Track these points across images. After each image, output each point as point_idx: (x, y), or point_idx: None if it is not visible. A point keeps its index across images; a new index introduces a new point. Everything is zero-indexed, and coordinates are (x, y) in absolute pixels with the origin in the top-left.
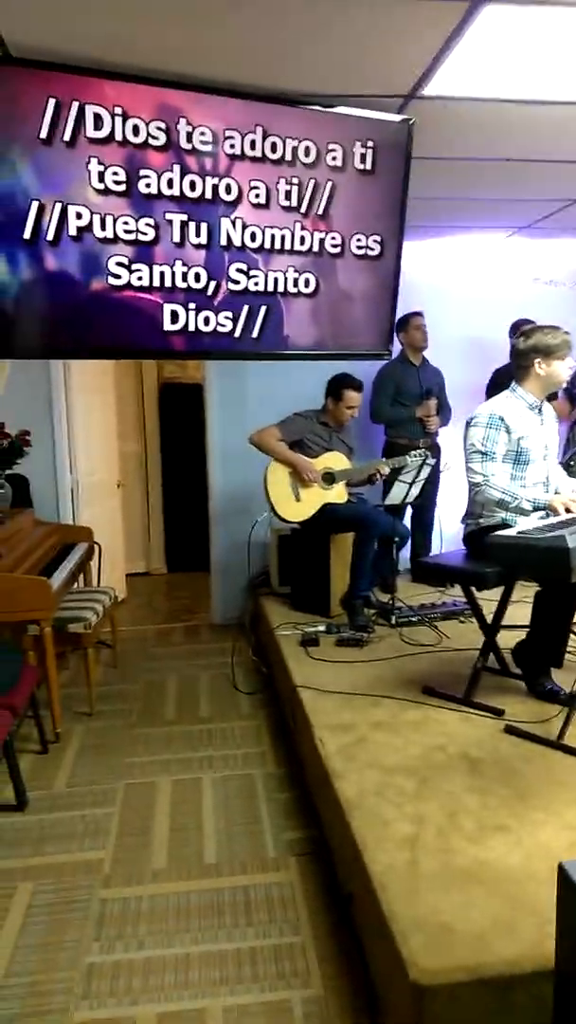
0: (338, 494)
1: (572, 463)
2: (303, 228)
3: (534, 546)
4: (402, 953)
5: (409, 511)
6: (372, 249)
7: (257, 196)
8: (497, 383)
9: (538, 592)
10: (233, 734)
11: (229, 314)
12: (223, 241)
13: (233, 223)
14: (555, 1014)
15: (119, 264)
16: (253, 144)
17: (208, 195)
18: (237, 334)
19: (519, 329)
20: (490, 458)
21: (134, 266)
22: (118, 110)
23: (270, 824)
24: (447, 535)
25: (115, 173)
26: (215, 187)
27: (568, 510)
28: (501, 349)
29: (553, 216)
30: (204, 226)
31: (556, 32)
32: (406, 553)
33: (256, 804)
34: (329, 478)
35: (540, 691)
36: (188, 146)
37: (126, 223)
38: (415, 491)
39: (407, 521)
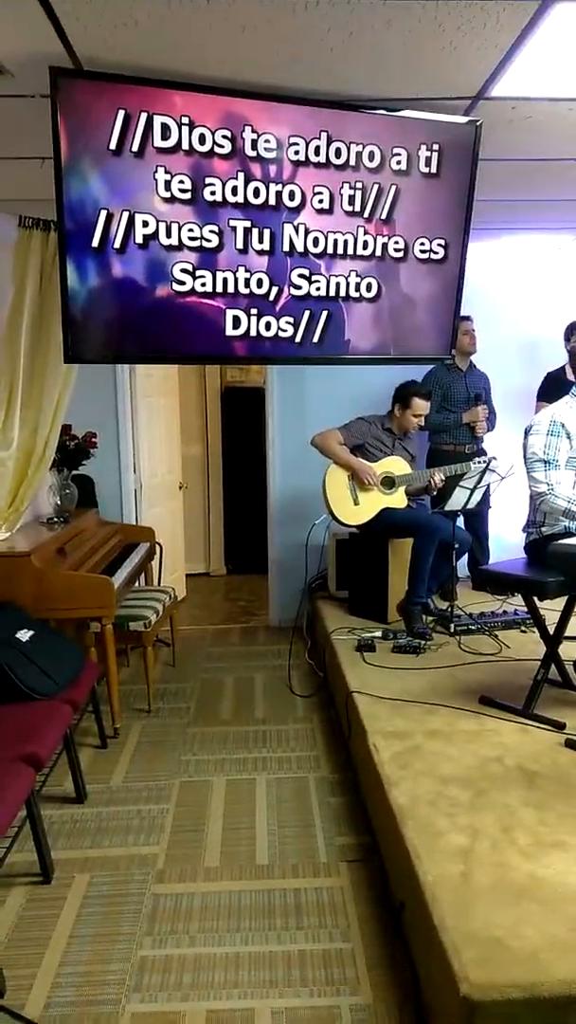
0: (398, 499)
1: None
2: (366, 232)
3: None
4: (453, 966)
5: (462, 518)
6: (436, 253)
7: (320, 201)
8: (548, 387)
9: None
10: (288, 736)
11: (291, 319)
12: (286, 247)
13: (296, 229)
14: None
15: (183, 271)
16: (317, 150)
17: (272, 201)
18: (298, 339)
19: (573, 330)
20: (553, 466)
21: (198, 272)
22: (185, 119)
23: (322, 828)
24: (505, 543)
25: (181, 181)
26: (279, 193)
27: None
28: (554, 352)
29: None
30: (267, 232)
31: None
32: (464, 560)
33: (309, 807)
34: (389, 482)
35: None
36: (252, 153)
37: (191, 230)
38: (476, 497)
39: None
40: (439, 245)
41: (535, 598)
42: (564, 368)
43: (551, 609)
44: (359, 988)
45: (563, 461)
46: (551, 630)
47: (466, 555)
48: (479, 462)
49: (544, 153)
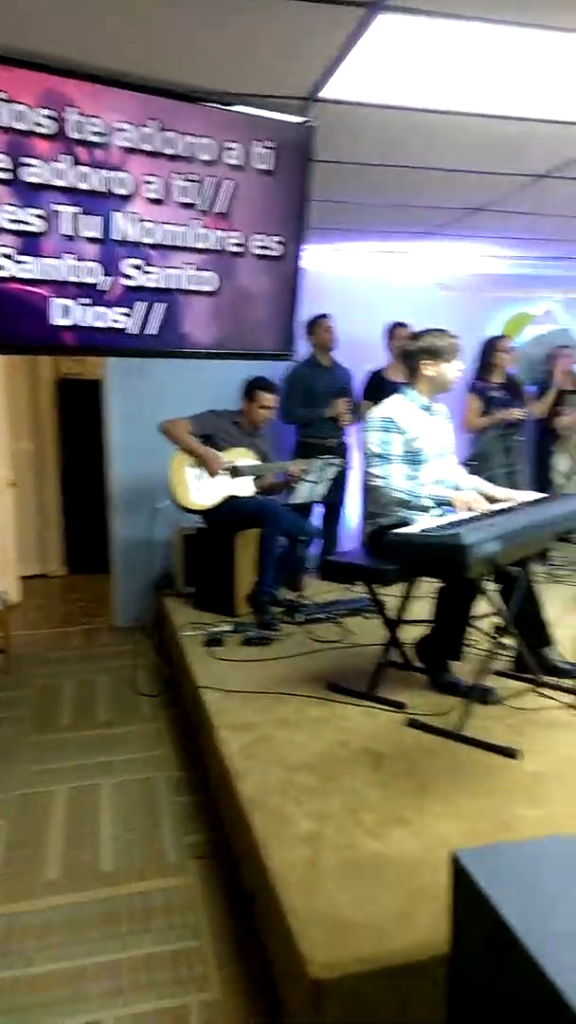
0: (243, 487)
1: (471, 463)
2: (203, 226)
3: (431, 544)
4: (300, 949)
5: (320, 510)
6: (274, 250)
7: (153, 191)
8: (372, 386)
9: (440, 588)
10: (133, 738)
11: (125, 310)
12: (117, 235)
13: (127, 217)
14: (448, 997)
15: (3, 255)
16: (148, 138)
17: (100, 188)
18: (134, 330)
19: (391, 332)
20: (387, 460)
21: (19, 258)
22: (2, 95)
23: (170, 828)
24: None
25: None
26: (108, 180)
27: (470, 508)
28: (377, 352)
29: (453, 224)
30: (97, 219)
31: (447, 44)
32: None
33: (156, 808)
34: (235, 472)
35: (441, 684)
36: (78, 136)
37: (11, 213)
38: (320, 491)
39: (319, 522)
40: (277, 242)
41: (377, 585)
42: (386, 368)
43: (396, 596)
44: (209, 985)
45: (397, 455)
46: (394, 615)
47: (319, 546)
48: (326, 459)
49: (374, 158)
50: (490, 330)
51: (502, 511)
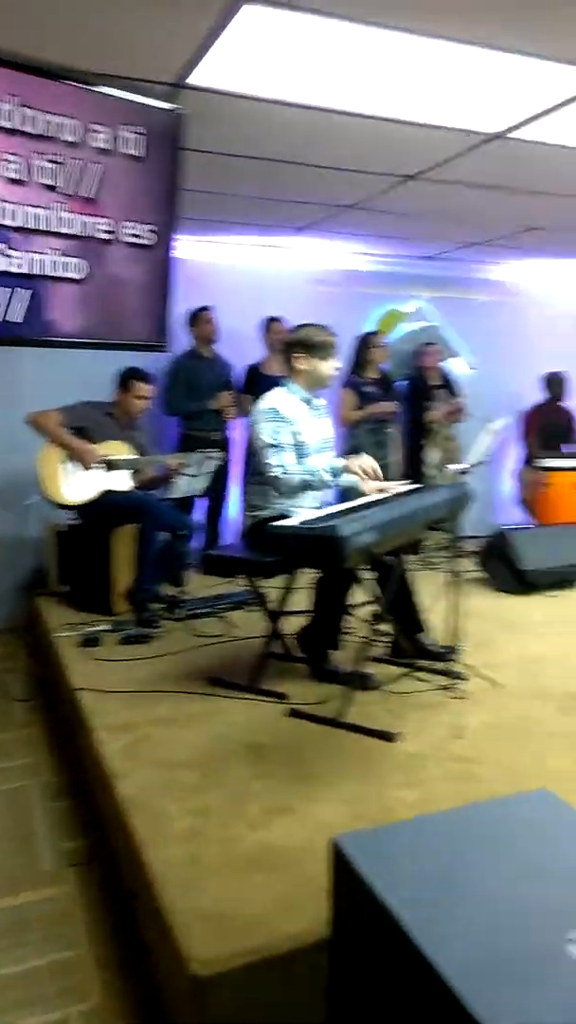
0: (120, 481)
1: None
2: (67, 209)
3: (309, 536)
4: (181, 947)
5: (205, 504)
6: (145, 238)
7: (13, 171)
8: (250, 379)
9: (318, 579)
10: (5, 745)
11: None
12: None
13: None
14: (329, 980)
15: None
16: (7, 115)
17: None
18: None
19: (267, 326)
20: (281, 448)
21: None
22: None
23: (46, 836)
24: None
25: None
26: None
27: (364, 471)
28: (254, 346)
29: (327, 220)
30: None
31: (315, 40)
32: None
33: (30, 817)
34: (109, 465)
35: (322, 673)
36: None
37: None
38: (200, 484)
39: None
40: (149, 231)
41: (258, 578)
42: (263, 362)
43: (276, 587)
44: (90, 994)
45: (289, 443)
46: (275, 607)
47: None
48: (205, 452)
49: (244, 150)
50: (364, 326)
51: (376, 502)
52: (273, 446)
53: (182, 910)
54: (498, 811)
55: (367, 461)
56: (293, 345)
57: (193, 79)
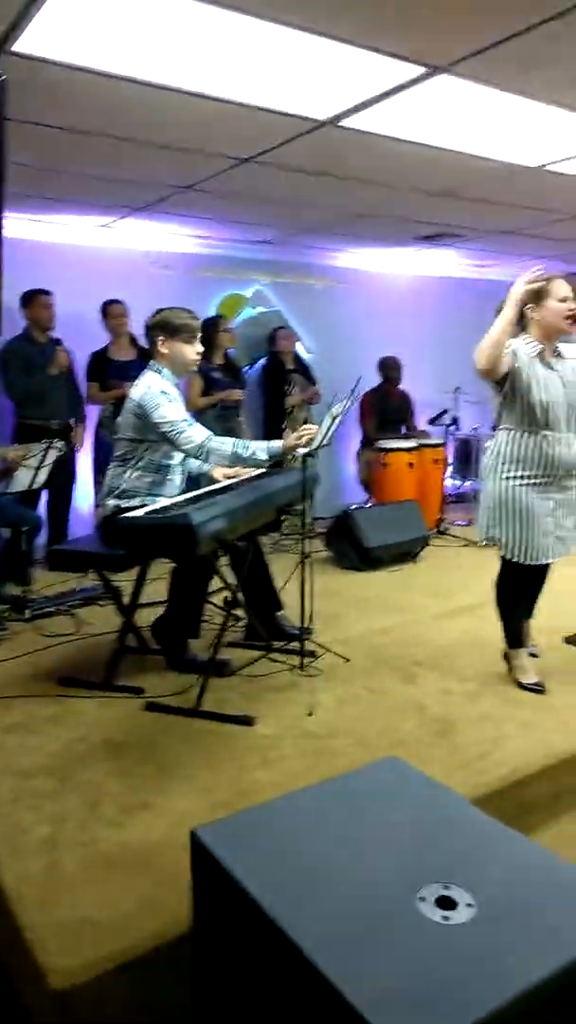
0: None
1: None
2: None
3: (159, 525)
4: (39, 962)
5: (45, 498)
6: None
7: None
8: (95, 367)
9: (173, 568)
10: None
11: None
12: None
13: None
14: (192, 972)
15: None
16: None
17: None
18: None
19: (105, 310)
20: (190, 423)
21: None
22: None
23: None
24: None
25: None
26: None
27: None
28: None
29: (166, 201)
30: None
31: (144, 12)
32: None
33: None
34: None
35: (179, 663)
36: None
37: None
38: (42, 477)
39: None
40: None
41: (109, 571)
42: (108, 347)
43: (131, 580)
44: None
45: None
46: (128, 600)
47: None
48: (48, 442)
49: (73, 123)
50: (205, 310)
51: (226, 488)
52: (183, 420)
53: (39, 925)
54: (350, 783)
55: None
56: (154, 329)
57: (18, 46)
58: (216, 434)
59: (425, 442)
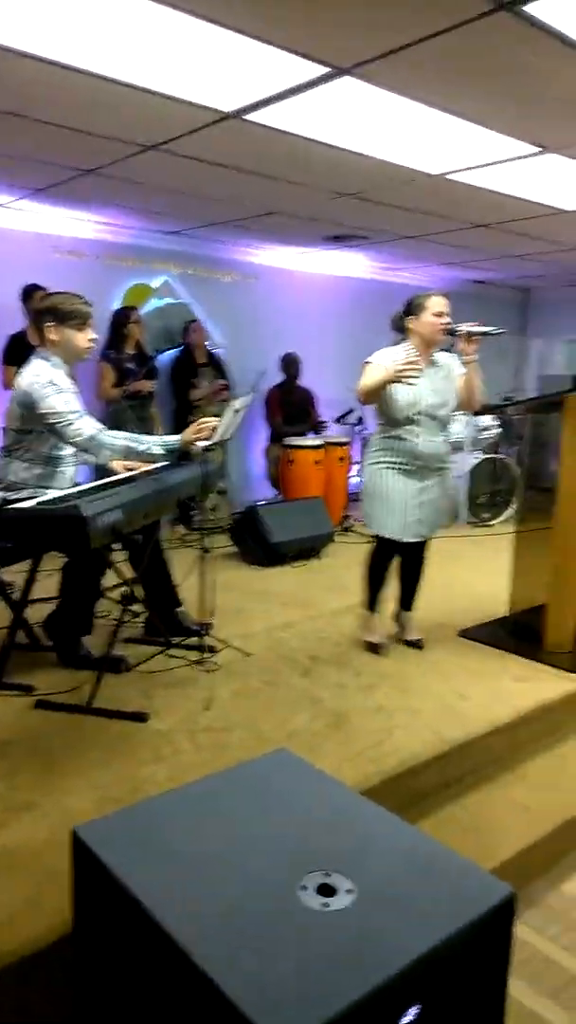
0: None
1: None
2: None
3: (48, 516)
4: None
5: None
6: None
7: None
8: (12, 350)
9: (65, 562)
10: None
11: None
12: None
13: None
14: (74, 971)
15: None
16: None
17: None
18: None
19: (27, 295)
20: (83, 414)
21: None
22: None
23: None
24: None
25: None
26: None
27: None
28: (14, 316)
29: (66, 184)
30: None
31: None
32: None
33: None
34: None
35: (72, 659)
36: None
37: None
38: None
39: None
40: None
41: None
42: (26, 331)
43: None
44: None
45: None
46: (18, 595)
47: None
48: None
49: None
50: (111, 299)
51: (125, 480)
52: (73, 412)
53: None
54: (238, 776)
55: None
56: (42, 314)
57: None
58: (131, 425)
59: (331, 440)
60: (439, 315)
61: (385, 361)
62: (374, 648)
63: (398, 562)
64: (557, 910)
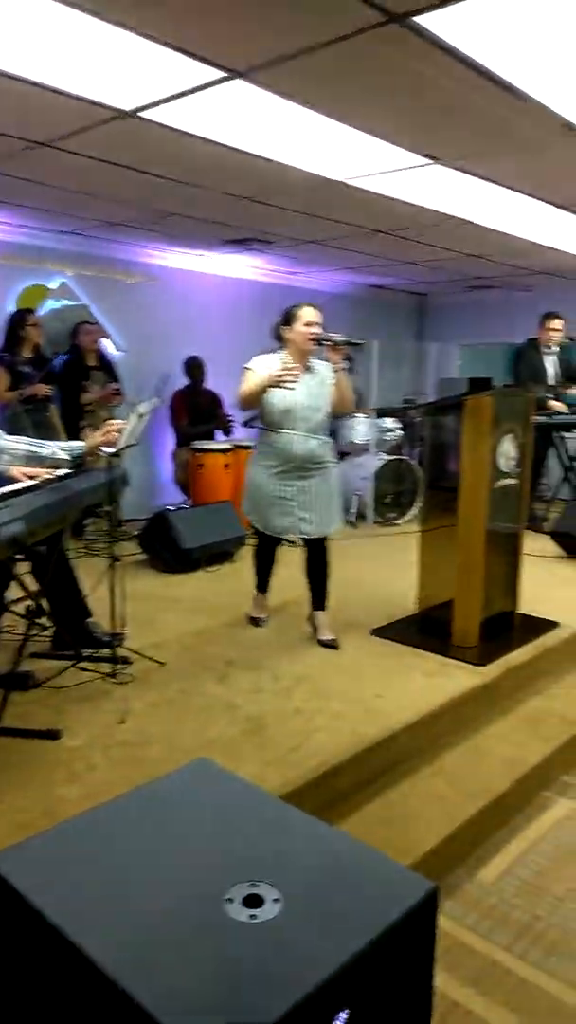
0: None
1: None
2: None
3: None
4: None
5: None
6: None
7: None
8: None
9: None
10: None
11: None
12: None
13: None
14: None
15: None
16: None
17: None
18: None
19: None
20: None
21: None
22: None
23: None
24: None
25: None
26: None
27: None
28: None
29: None
30: None
31: None
32: None
33: None
34: None
35: None
36: None
37: None
38: None
39: None
40: None
41: None
42: None
43: None
44: None
45: None
46: None
47: None
48: None
49: None
50: (6, 301)
51: (26, 490)
52: None
53: None
54: (157, 790)
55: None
56: None
57: None
58: (29, 429)
59: (240, 443)
60: (309, 325)
61: (261, 368)
62: (255, 621)
63: (304, 564)
64: (474, 898)
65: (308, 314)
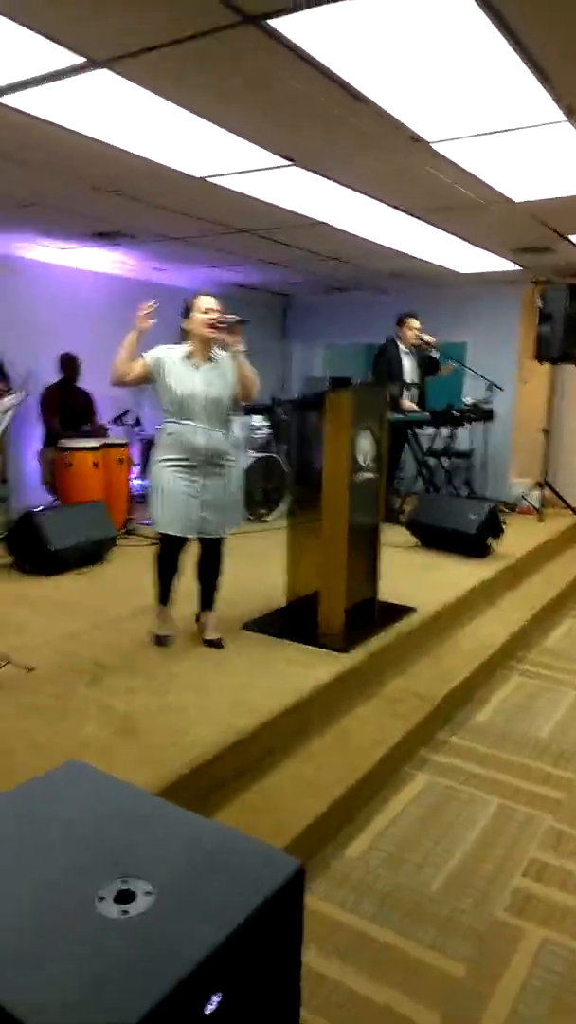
0: None
1: None
2: None
3: None
4: None
5: None
6: None
7: None
8: None
9: None
10: None
11: None
12: None
13: None
14: None
15: None
16: None
17: None
18: None
19: None
20: None
21: None
22: None
23: None
24: None
25: None
26: None
27: None
28: None
29: None
30: None
31: None
32: None
33: None
34: None
35: None
36: None
37: None
38: None
39: None
40: None
41: None
42: None
43: None
44: None
45: None
46: None
47: None
48: None
49: None
50: None
51: None
52: None
53: None
54: (26, 795)
55: None
56: None
57: None
58: None
59: (109, 441)
60: (208, 311)
61: (158, 355)
62: (160, 640)
63: (197, 563)
64: (342, 873)
65: (204, 301)
